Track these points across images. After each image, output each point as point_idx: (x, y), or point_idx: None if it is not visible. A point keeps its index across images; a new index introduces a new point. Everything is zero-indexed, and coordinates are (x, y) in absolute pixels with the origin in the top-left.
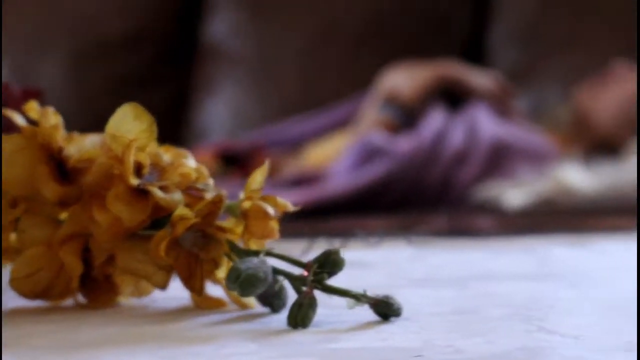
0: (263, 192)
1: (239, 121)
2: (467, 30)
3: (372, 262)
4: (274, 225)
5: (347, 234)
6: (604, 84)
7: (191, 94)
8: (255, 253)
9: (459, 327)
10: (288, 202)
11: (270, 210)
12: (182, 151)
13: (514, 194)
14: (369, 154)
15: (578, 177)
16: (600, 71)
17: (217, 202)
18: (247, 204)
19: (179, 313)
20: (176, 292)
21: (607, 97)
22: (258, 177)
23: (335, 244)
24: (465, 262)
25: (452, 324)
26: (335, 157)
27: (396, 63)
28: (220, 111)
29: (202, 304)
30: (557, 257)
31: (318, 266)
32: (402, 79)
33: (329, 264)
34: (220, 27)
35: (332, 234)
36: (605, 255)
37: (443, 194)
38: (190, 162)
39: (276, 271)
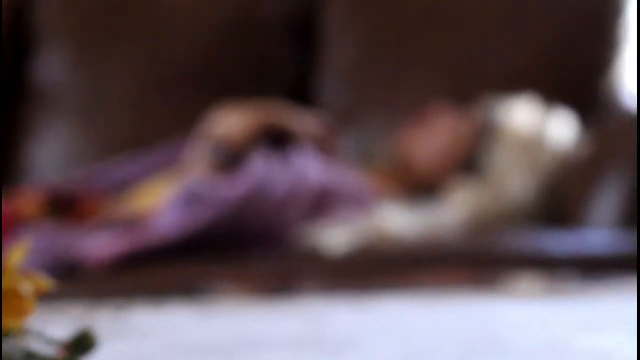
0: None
1: (70, 162)
2: (296, 70)
3: (153, 328)
4: (30, 304)
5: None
6: (424, 126)
7: (19, 135)
8: (10, 333)
9: None
10: (100, 250)
11: (28, 288)
12: None
13: (336, 237)
14: (193, 199)
15: (397, 220)
16: (420, 112)
17: None
18: (3, 283)
19: None
20: None
21: (426, 140)
22: (16, 254)
23: (117, 307)
24: (241, 326)
25: None
26: (161, 201)
27: (225, 103)
28: (49, 152)
29: None
30: (331, 321)
31: (72, 345)
32: (229, 122)
33: (83, 343)
34: (48, 67)
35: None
36: (380, 318)
37: (268, 238)
38: None
39: (29, 353)
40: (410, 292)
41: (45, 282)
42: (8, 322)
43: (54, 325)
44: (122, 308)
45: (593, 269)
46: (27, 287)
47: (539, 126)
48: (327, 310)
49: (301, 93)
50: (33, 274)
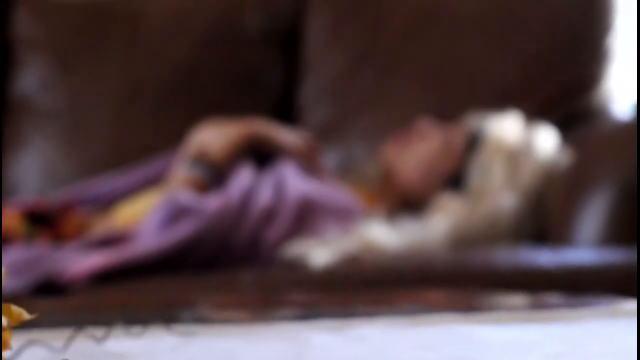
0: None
1: (50, 178)
2: (279, 87)
3: (132, 353)
4: (7, 336)
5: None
6: (409, 140)
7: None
8: None
9: None
10: (87, 266)
11: (4, 321)
12: None
13: (320, 252)
14: (176, 214)
15: (382, 235)
16: (405, 127)
17: None
18: None
19: None
20: None
21: (411, 154)
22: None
23: (97, 333)
24: (222, 352)
25: None
26: (144, 216)
27: (207, 120)
28: (30, 168)
29: None
30: (312, 345)
31: None
32: (211, 137)
33: None
34: (29, 82)
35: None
36: (360, 341)
37: (252, 253)
38: None
39: None
40: (391, 313)
41: (22, 312)
42: None
43: (32, 354)
44: (101, 331)
45: (579, 287)
46: (5, 320)
47: (525, 141)
48: (308, 334)
49: (284, 107)
50: (9, 305)
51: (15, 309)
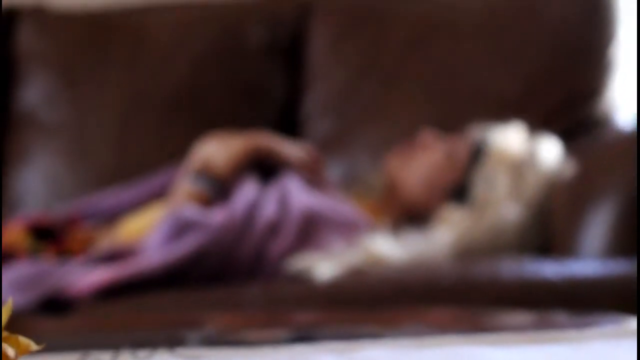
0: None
1: (54, 191)
2: (282, 100)
3: None
4: None
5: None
6: (412, 152)
7: (4, 164)
8: None
9: None
10: (94, 281)
11: (11, 352)
12: None
13: (325, 265)
14: (181, 228)
15: (387, 247)
16: (408, 139)
17: None
18: None
19: None
20: None
21: (415, 166)
22: (2, 317)
23: (104, 357)
24: None
25: None
26: (149, 230)
27: (211, 133)
28: (34, 181)
29: None
30: None
31: None
32: (215, 151)
33: None
34: (33, 96)
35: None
36: None
37: (256, 266)
38: None
39: None
40: (396, 334)
41: (29, 344)
42: None
43: None
44: (108, 355)
45: (584, 299)
46: (12, 351)
47: (528, 152)
48: (314, 356)
49: (288, 119)
50: (17, 335)
51: (23, 339)
